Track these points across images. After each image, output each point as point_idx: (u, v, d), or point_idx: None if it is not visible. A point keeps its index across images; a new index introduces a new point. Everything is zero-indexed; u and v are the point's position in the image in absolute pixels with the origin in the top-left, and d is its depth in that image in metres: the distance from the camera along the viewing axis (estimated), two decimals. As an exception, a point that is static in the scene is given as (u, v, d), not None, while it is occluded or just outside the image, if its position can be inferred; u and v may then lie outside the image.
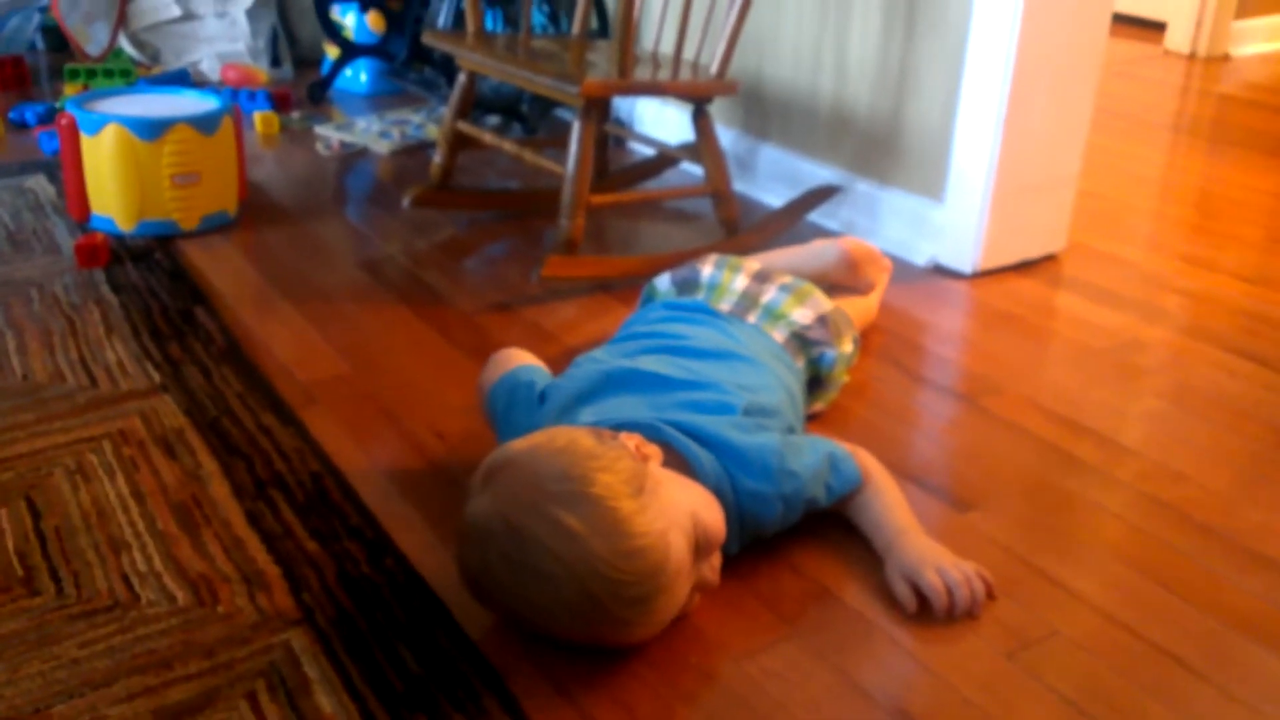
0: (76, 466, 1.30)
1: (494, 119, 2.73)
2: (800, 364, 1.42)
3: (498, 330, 1.71)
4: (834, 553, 1.20)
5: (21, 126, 2.59)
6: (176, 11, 3.03)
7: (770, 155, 2.34)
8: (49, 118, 2.56)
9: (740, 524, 1.14)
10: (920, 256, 2.03)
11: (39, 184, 2.24)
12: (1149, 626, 1.11)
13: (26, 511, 1.22)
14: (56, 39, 3.16)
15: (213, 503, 1.25)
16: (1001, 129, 1.88)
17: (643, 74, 1.91)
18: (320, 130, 2.62)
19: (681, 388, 1.23)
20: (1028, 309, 1.86)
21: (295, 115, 2.76)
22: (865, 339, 1.66)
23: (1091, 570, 1.19)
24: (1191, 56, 3.92)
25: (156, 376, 1.52)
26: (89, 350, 1.58)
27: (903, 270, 1.97)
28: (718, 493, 1.11)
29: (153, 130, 1.93)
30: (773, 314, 1.44)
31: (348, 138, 2.58)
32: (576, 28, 2.16)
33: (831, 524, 1.23)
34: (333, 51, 2.96)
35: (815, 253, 1.72)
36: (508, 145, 2.04)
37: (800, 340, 1.43)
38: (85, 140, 1.95)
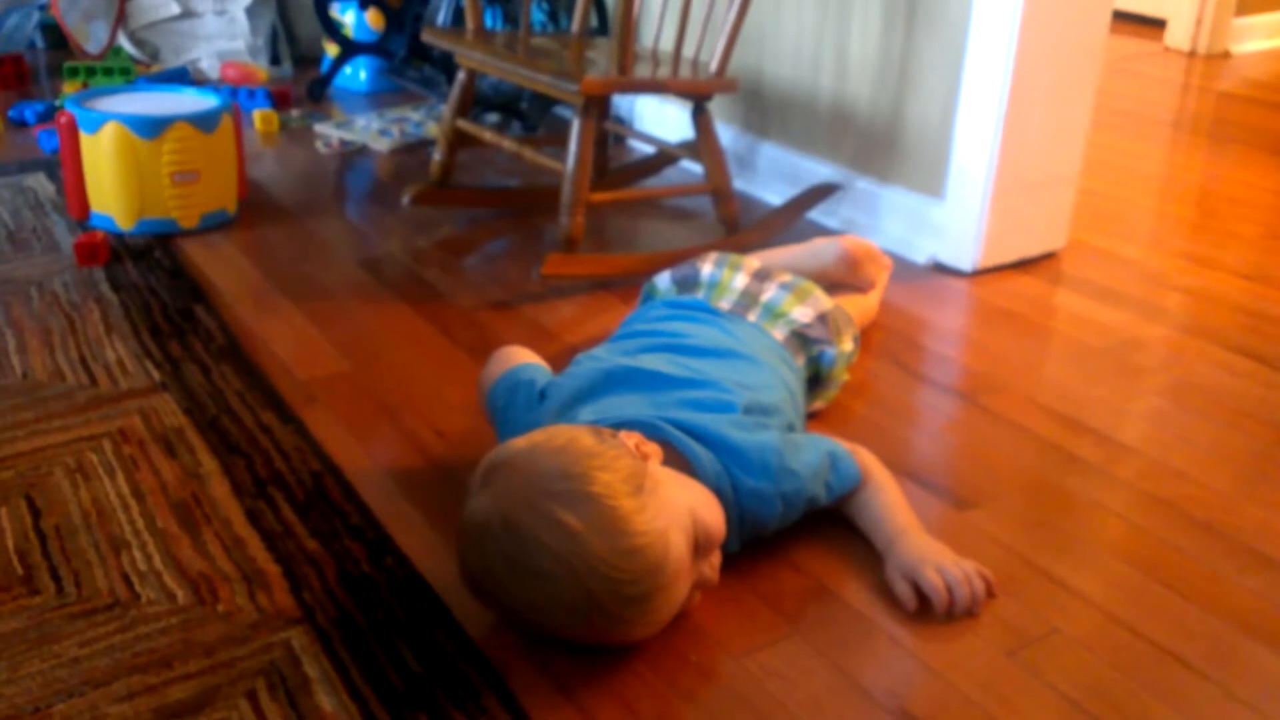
0: (76, 465, 1.30)
1: (494, 117, 2.73)
2: (800, 362, 1.42)
3: (498, 328, 1.71)
4: (834, 551, 1.20)
5: (21, 125, 2.59)
6: (176, 9, 3.03)
7: (770, 153, 2.34)
8: (48, 116, 2.56)
9: (740, 522, 1.14)
10: (920, 254, 2.03)
11: (38, 182, 2.24)
12: (1149, 625, 1.11)
13: (26, 510, 1.22)
14: (56, 37, 3.16)
15: (213, 501, 1.25)
16: (1001, 126, 1.88)
17: (642, 71, 1.91)
18: (320, 128, 2.62)
19: (681, 386, 1.23)
20: (1028, 307, 1.86)
21: (295, 113, 2.76)
22: (865, 337, 1.66)
23: (1092, 568, 1.19)
24: (1192, 53, 3.91)
25: (156, 375, 1.52)
26: (89, 349, 1.58)
27: (903, 268, 1.96)
28: (717, 491, 1.11)
29: (152, 128, 1.93)
30: (773, 312, 1.44)
31: (347, 136, 2.58)
32: (576, 25, 2.16)
33: (831, 522, 1.23)
34: (332, 49, 2.95)
35: (815, 251, 1.72)
36: (507, 143, 2.04)
37: (800, 338, 1.43)
38: (85, 138, 1.95)
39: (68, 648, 1.02)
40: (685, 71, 1.95)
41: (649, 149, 2.46)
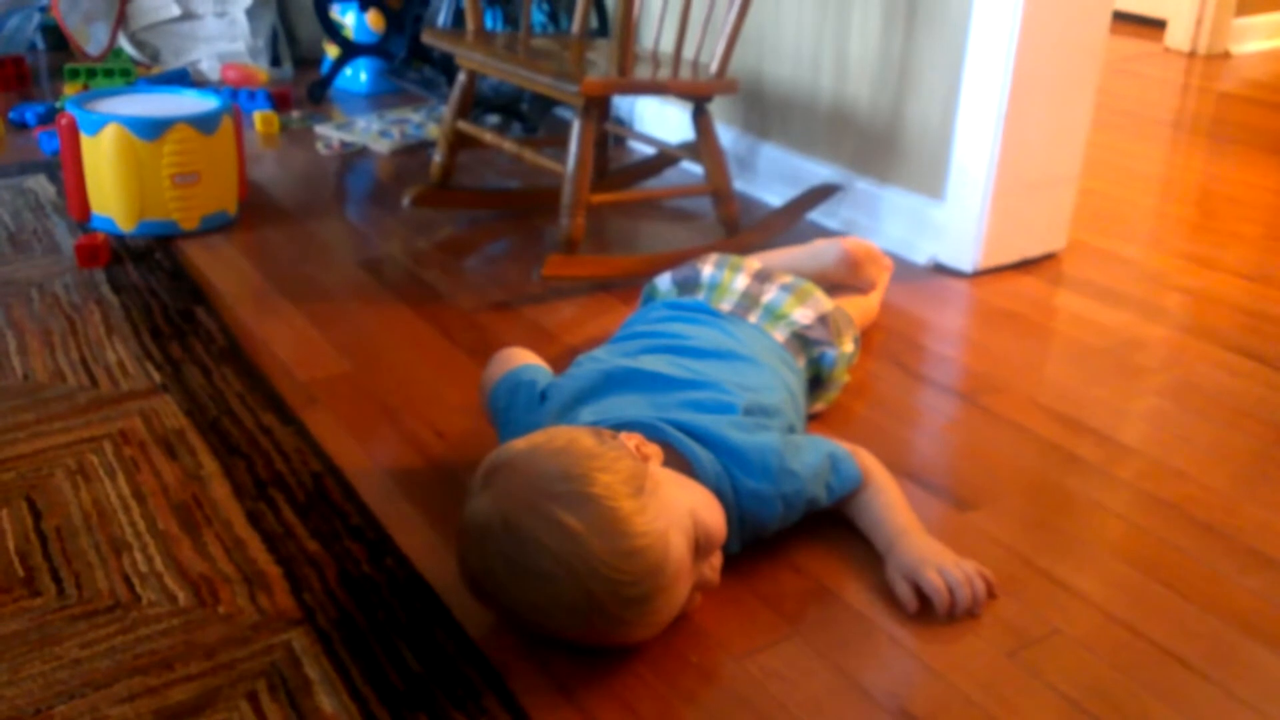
0: (77, 467, 1.31)
1: (494, 118, 2.73)
2: (801, 363, 1.42)
3: (498, 329, 1.71)
4: (835, 552, 1.20)
5: (21, 126, 2.59)
6: (176, 11, 3.03)
7: (770, 154, 2.34)
8: (49, 118, 2.56)
9: (741, 523, 1.14)
10: (921, 255, 2.03)
11: (39, 184, 2.24)
12: (1150, 625, 1.11)
13: (27, 512, 1.22)
14: (56, 39, 3.16)
15: (213, 503, 1.25)
16: (1002, 127, 1.88)
17: (642, 73, 1.91)
18: (320, 130, 2.62)
19: (682, 387, 1.23)
20: (1028, 307, 1.86)
21: (295, 115, 2.76)
22: (866, 338, 1.66)
23: (1092, 569, 1.19)
24: (1192, 54, 3.91)
25: (157, 376, 1.52)
26: (89, 350, 1.58)
27: (903, 269, 1.96)
28: (718, 492, 1.11)
29: (153, 130, 1.93)
30: (773, 314, 1.44)
31: (348, 137, 2.58)
32: (576, 26, 2.16)
33: (832, 523, 1.23)
34: (332, 51, 2.96)
35: (816, 252, 1.72)
36: (508, 144, 2.04)
37: (801, 340, 1.43)
38: (85, 140, 1.95)
39: (69, 649, 1.02)
40: (685, 73, 1.95)
41: (649, 150, 2.46)
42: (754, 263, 1.54)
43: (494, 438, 1.29)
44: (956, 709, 0.99)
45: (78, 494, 1.25)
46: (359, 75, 3.01)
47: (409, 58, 2.91)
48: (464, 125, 2.08)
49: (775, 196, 2.29)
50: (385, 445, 1.38)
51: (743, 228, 2.03)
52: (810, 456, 1.18)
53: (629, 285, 1.84)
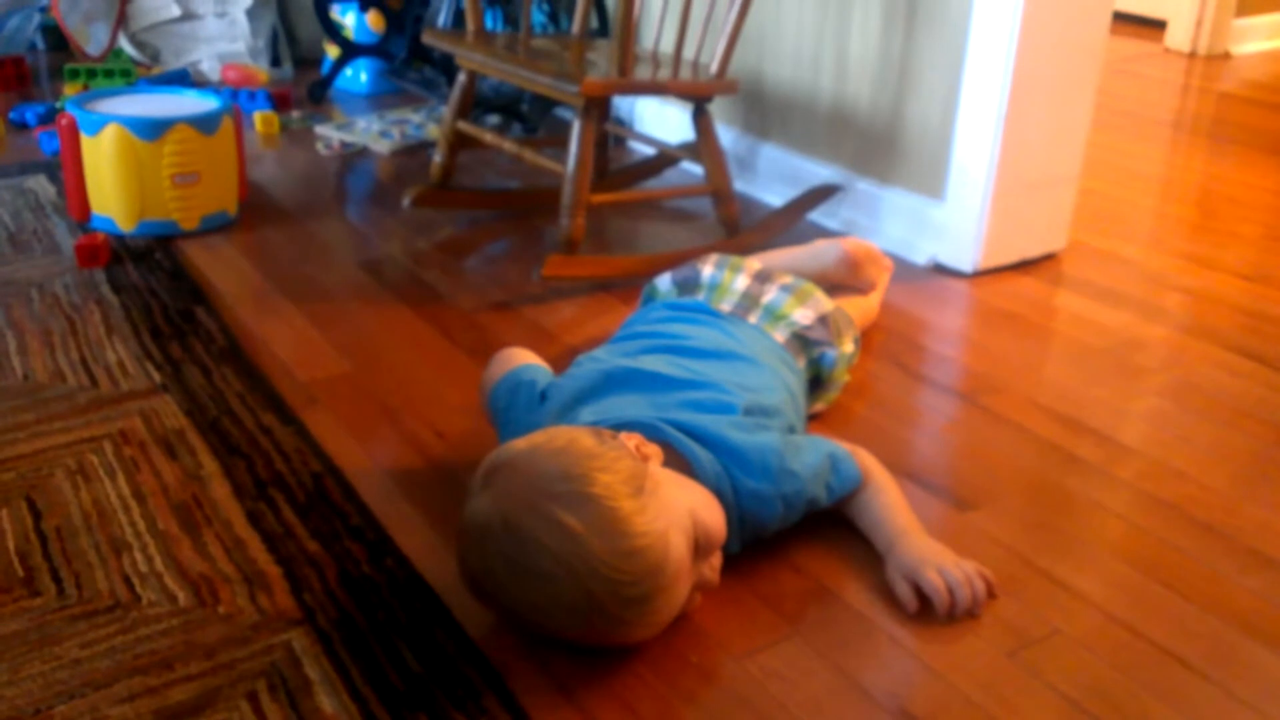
0: (77, 467, 1.31)
1: (494, 118, 2.73)
2: (801, 364, 1.42)
3: (498, 329, 1.71)
4: (835, 552, 1.20)
5: (22, 127, 2.60)
6: (176, 11, 3.03)
7: (770, 154, 2.34)
8: (49, 118, 2.56)
9: (740, 523, 1.14)
10: (921, 255, 2.03)
11: (39, 184, 2.24)
12: (1150, 625, 1.11)
13: (27, 512, 1.22)
14: (56, 39, 3.16)
15: (213, 503, 1.25)
16: (1002, 127, 1.88)
17: (643, 73, 1.91)
18: (320, 130, 2.62)
19: (682, 387, 1.23)
20: (1028, 308, 1.86)
21: (295, 115, 2.76)
22: (866, 338, 1.66)
23: (1092, 569, 1.19)
24: (1192, 54, 3.91)
25: (157, 376, 1.52)
26: (89, 350, 1.58)
27: (903, 269, 1.97)
28: (718, 492, 1.11)
29: (153, 130, 1.93)
30: (774, 314, 1.44)
31: (348, 137, 2.58)
32: (576, 27, 2.16)
33: (832, 523, 1.23)
34: (333, 51, 2.96)
35: (816, 253, 1.72)
36: (508, 145, 2.04)
37: (801, 340, 1.43)
38: (85, 140, 1.95)
39: (69, 649, 1.02)
40: (686, 73, 1.95)
41: (649, 150, 2.46)
42: (754, 263, 1.54)
43: (494, 438, 1.29)
44: (956, 709, 0.99)
45: (78, 494, 1.25)
46: (359, 75, 3.01)
47: (409, 58, 2.91)
48: (464, 125, 2.08)
49: (775, 197, 2.29)
50: (385, 445, 1.38)
51: (743, 228, 2.03)
52: (810, 456, 1.18)
53: (629, 285, 1.84)
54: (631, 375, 1.25)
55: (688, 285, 1.51)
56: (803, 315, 1.45)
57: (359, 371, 1.57)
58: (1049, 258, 2.06)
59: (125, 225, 1.99)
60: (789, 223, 2.12)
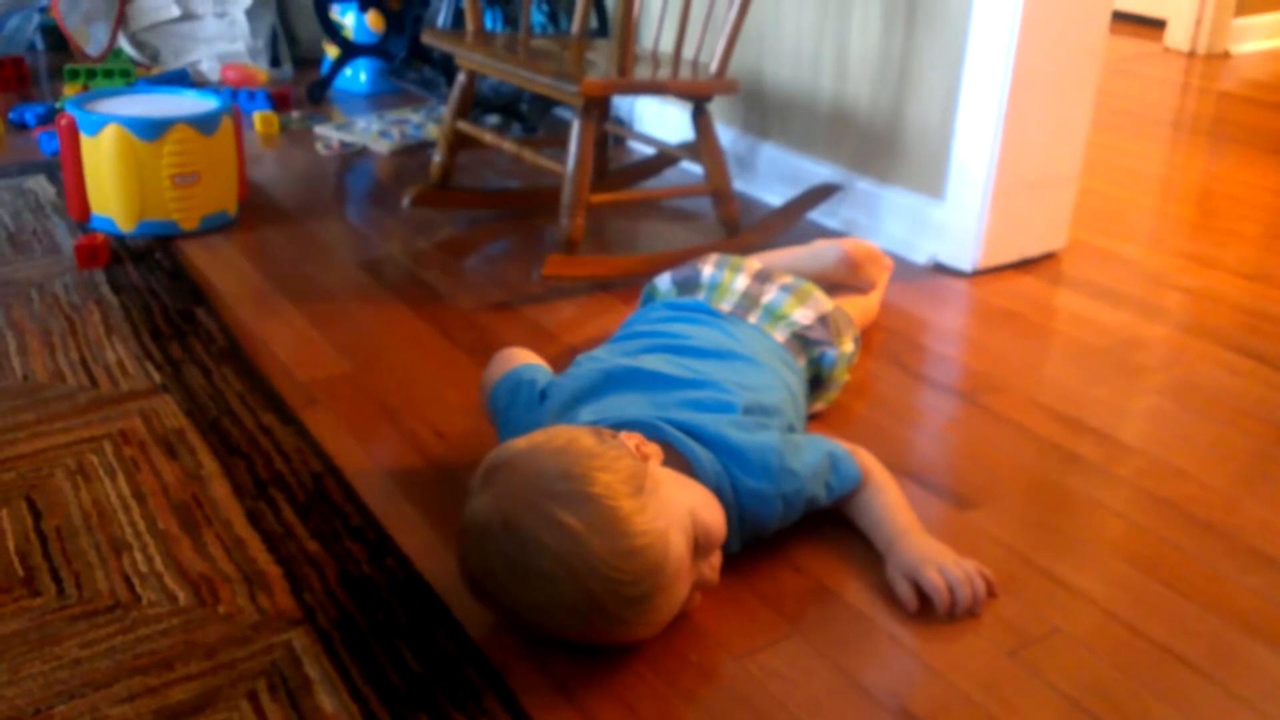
0: (77, 467, 1.31)
1: (494, 118, 2.73)
2: (801, 363, 1.42)
3: (498, 329, 1.71)
4: (835, 551, 1.20)
5: (21, 127, 2.60)
6: (176, 11, 3.03)
7: (770, 154, 2.34)
8: (49, 118, 2.56)
9: (740, 523, 1.14)
10: (920, 255, 2.03)
11: (39, 184, 2.24)
12: (1150, 624, 1.11)
13: (27, 512, 1.22)
14: (56, 39, 3.17)
15: (213, 503, 1.25)
16: (1002, 127, 1.88)
17: (642, 73, 1.91)
18: (320, 130, 2.62)
19: (682, 386, 1.23)
20: (1028, 307, 1.86)
21: (295, 115, 2.76)
22: (866, 338, 1.66)
23: (1093, 568, 1.19)
24: (1191, 54, 3.91)
25: (157, 377, 1.52)
26: (89, 350, 1.58)
27: (903, 269, 1.97)
28: (717, 491, 1.11)
29: (152, 130, 1.93)
30: (774, 314, 1.44)
31: (348, 137, 2.58)
32: (576, 27, 2.16)
33: (832, 522, 1.23)
34: (332, 51, 2.96)
35: (816, 252, 1.72)
36: (507, 144, 2.04)
37: (801, 340, 1.43)
38: (85, 140, 1.95)
39: (69, 649, 1.02)
40: (685, 73, 1.95)
41: (649, 150, 2.46)
42: (754, 263, 1.54)
43: (494, 438, 1.29)
44: (956, 708, 0.99)
45: (78, 494, 1.25)
46: (359, 75, 3.01)
47: (409, 58, 2.91)
48: (464, 125, 2.08)
49: (775, 196, 2.29)
50: (385, 445, 1.38)
51: (743, 228, 2.03)
52: (810, 455, 1.18)
53: (629, 285, 1.84)
54: (631, 374, 1.25)
55: (688, 285, 1.51)
56: (803, 315, 1.45)
57: (359, 371, 1.57)
58: (1049, 257, 2.06)
59: (125, 225, 1.99)
60: (789, 222, 2.12)
